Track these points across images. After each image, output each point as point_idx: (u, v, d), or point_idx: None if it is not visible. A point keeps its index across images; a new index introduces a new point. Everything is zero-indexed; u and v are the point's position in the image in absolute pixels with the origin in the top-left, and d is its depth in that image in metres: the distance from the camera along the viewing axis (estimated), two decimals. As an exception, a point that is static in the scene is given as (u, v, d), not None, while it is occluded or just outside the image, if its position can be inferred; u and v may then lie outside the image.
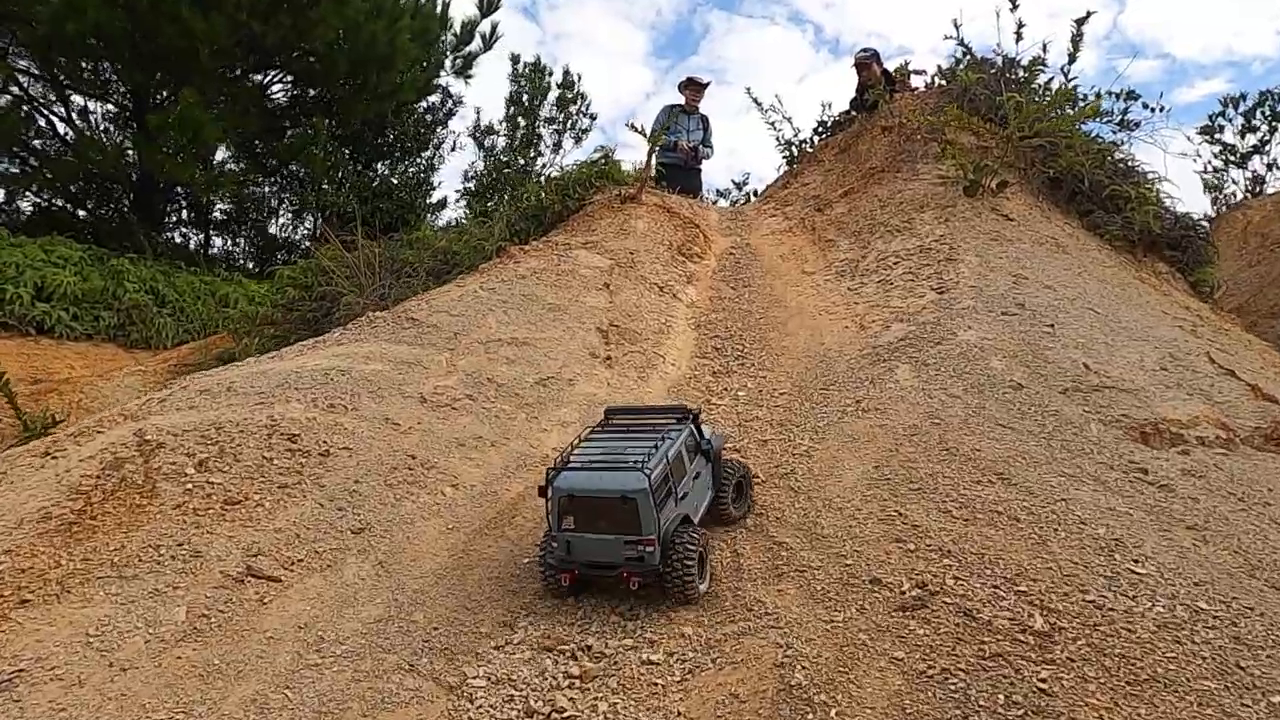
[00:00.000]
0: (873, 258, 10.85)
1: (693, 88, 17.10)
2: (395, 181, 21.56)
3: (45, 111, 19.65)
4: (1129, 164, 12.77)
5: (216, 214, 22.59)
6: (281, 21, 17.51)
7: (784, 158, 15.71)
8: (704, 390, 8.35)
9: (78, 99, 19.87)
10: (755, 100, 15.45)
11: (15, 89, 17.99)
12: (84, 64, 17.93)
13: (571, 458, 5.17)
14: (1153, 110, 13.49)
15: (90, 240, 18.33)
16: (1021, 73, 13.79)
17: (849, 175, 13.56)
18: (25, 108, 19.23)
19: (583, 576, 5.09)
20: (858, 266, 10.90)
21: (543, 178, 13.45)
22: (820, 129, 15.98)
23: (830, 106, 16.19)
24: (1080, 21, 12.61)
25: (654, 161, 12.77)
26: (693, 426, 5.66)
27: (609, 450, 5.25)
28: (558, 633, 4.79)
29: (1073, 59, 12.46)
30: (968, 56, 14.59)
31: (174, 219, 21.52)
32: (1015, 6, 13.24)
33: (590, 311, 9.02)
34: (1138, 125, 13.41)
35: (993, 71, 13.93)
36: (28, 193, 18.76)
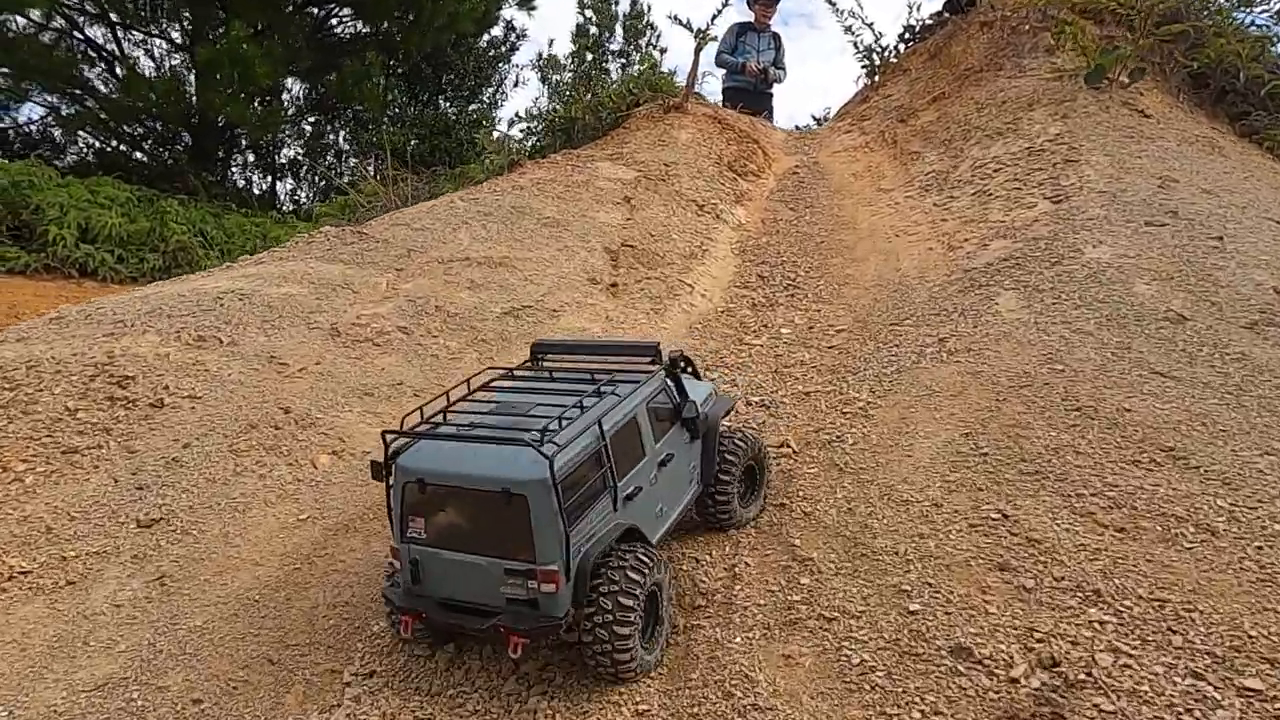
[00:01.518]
0: (966, 167, 8.29)
1: (763, 2, 14.40)
2: (455, 118, 19.54)
3: (102, 50, 18.27)
4: (1295, 58, 9.75)
5: (282, 159, 21.08)
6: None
7: (863, 68, 12.98)
8: (737, 327, 6.09)
9: (136, 34, 18.39)
10: (830, 1, 12.72)
11: (62, 21, 16.62)
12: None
13: (440, 421, 3.17)
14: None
15: (143, 183, 16.97)
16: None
17: (940, 80, 10.86)
18: (81, 46, 17.86)
19: (434, 624, 3.12)
20: (947, 178, 8.36)
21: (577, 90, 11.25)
22: (906, 35, 13.17)
23: (918, 8, 13.36)
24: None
25: (700, 70, 10.35)
26: (667, 379, 3.55)
27: (506, 411, 3.22)
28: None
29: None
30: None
31: (237, 163, 20.09)
32: None
33: (599, 229, 6.82)
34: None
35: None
36: (83, 134, 17.51)
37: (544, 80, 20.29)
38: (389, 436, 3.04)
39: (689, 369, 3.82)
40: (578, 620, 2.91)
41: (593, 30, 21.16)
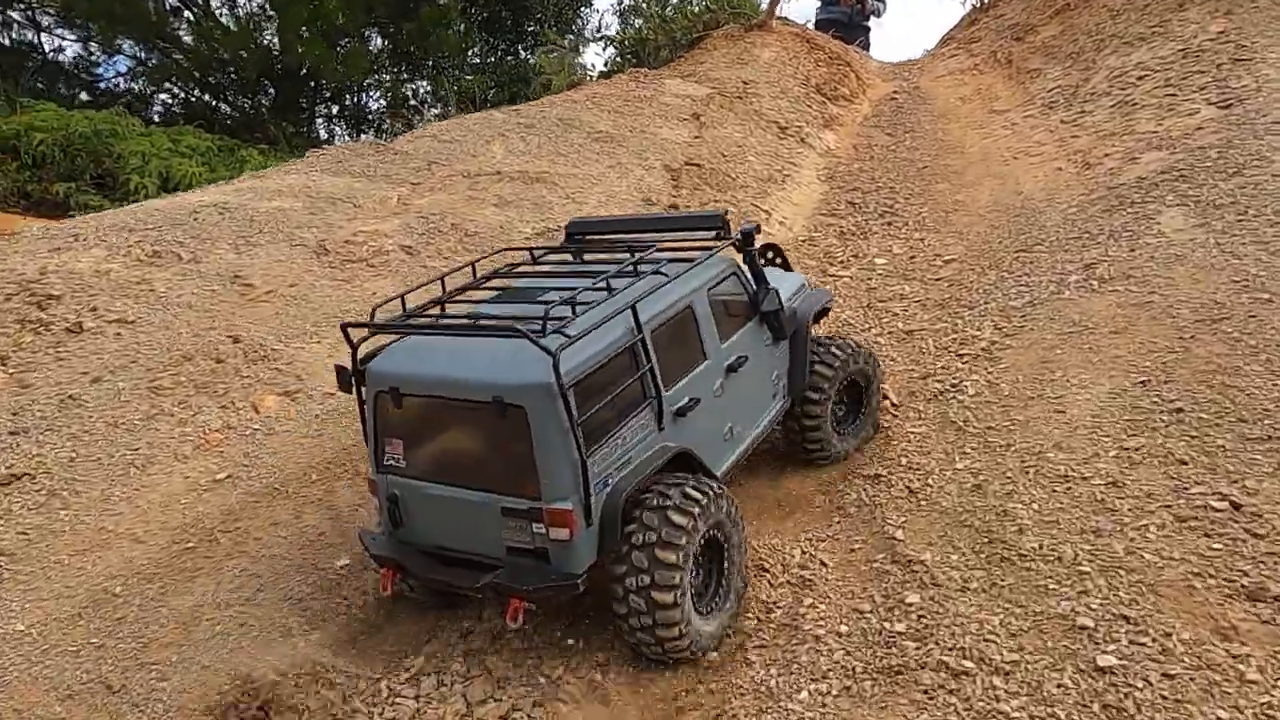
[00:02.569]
0: (1101, 79, 6.81)
1: (865, -69, 12.79)
2: (534, 65, 18.46)
3: (190, 2, 17.83)
4: None
5: (366, 111, 20.40)
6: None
7: (971, -14, 11.33)
8: (821, 257, 4.93)
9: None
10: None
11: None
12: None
13: (431, 313, 2.26)
14: None
15: (225, 133, 16.52)
16: None
17: (1062, -8, 9.24)
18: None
19: (415, 580, 2.19)
20: (1076, 93, 6.91)
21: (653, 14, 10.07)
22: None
23: (1037, -81, 11.58)
24: None
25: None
26: (736, 259, 2.57)
27: (513, 298, 2.35)
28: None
29: None
30: None
31: (322, 114, 19.47)
32: None
33: (660, 145, 5.68)
34: None
35: None
36: (170, 85, 17.13)
37: (625, 24, 18.97)
38: (352, 330, 2.13)
39: (777, 258, 2.93)
40: (612, 585, 2.00)
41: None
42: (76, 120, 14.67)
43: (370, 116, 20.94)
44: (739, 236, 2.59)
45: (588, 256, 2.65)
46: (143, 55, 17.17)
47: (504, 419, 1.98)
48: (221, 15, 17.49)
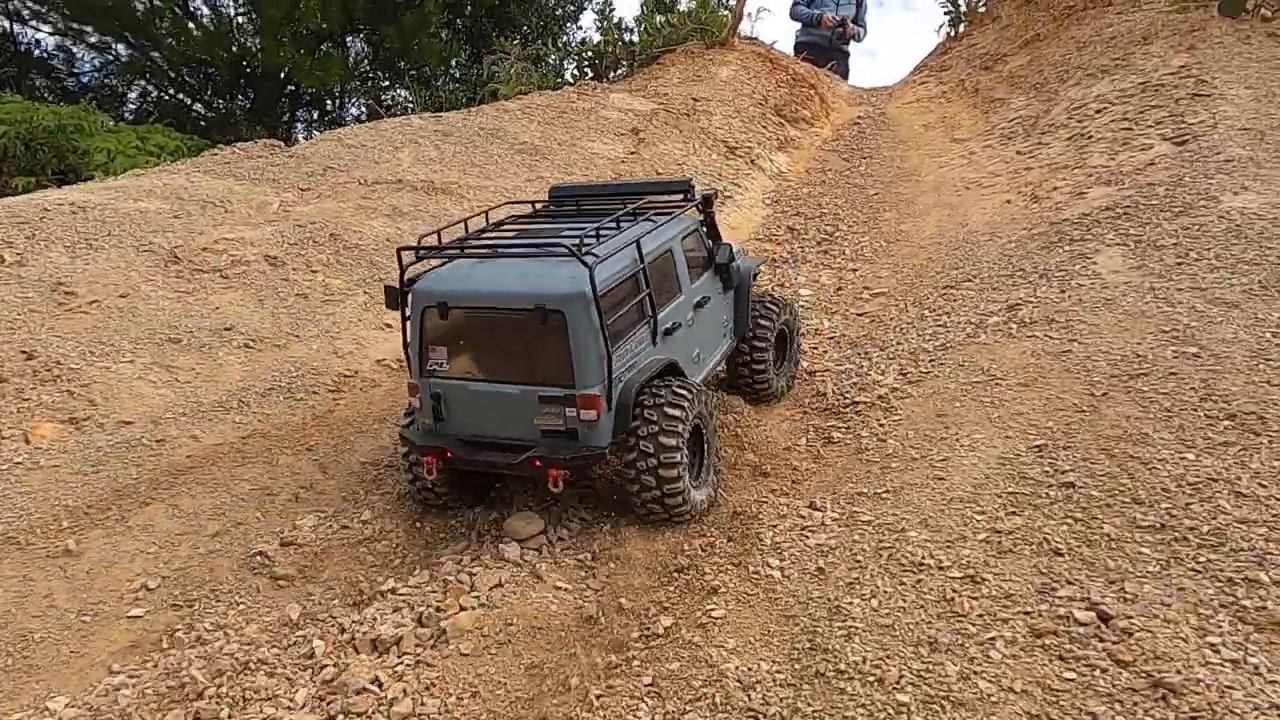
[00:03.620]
0: (1061, 110, 6.48)
1: (845, -46, 12.50)
2: (552, 42, 18.16)
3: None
4: None
5: (347, 117, 20.06)
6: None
7: (946, 14, 11.04)
8: (746, 284, 4.51)
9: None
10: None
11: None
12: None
13: (466, 244, 2.65)
14: None
15: (197, 133, 16.11)
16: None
17: (1034, 23, 8.97)
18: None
19: (460, 466, 2.49)
20: (1035, 124, 6.58)
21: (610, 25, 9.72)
22: (999, -20, 11.15)
23: (1015, -50, 11.30)
24: None
25: (756, 6, 8.74)
26: (700, 218, 3.07)
27: (534, 236, 2.74)
28: None
29: None
30: None
31: (301, 119, 19.11)
32: None
33: (589, 160, 5.30)
34: None
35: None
36: (143, 83, 16.75)
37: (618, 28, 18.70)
38: (404, 254, 2.54)
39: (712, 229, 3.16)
40: (623, 454, 2.44)
41: (665, -9, 19.46)
42: (42, 114, 14.21)
43: (349, 122, 20.59)
44: (700, 200, 3.07)
45: (583, 209, 3.10)
46: (121, 51, 16.77)
47: (544, 324, 2.31)
48: (201, 14, 17.14)
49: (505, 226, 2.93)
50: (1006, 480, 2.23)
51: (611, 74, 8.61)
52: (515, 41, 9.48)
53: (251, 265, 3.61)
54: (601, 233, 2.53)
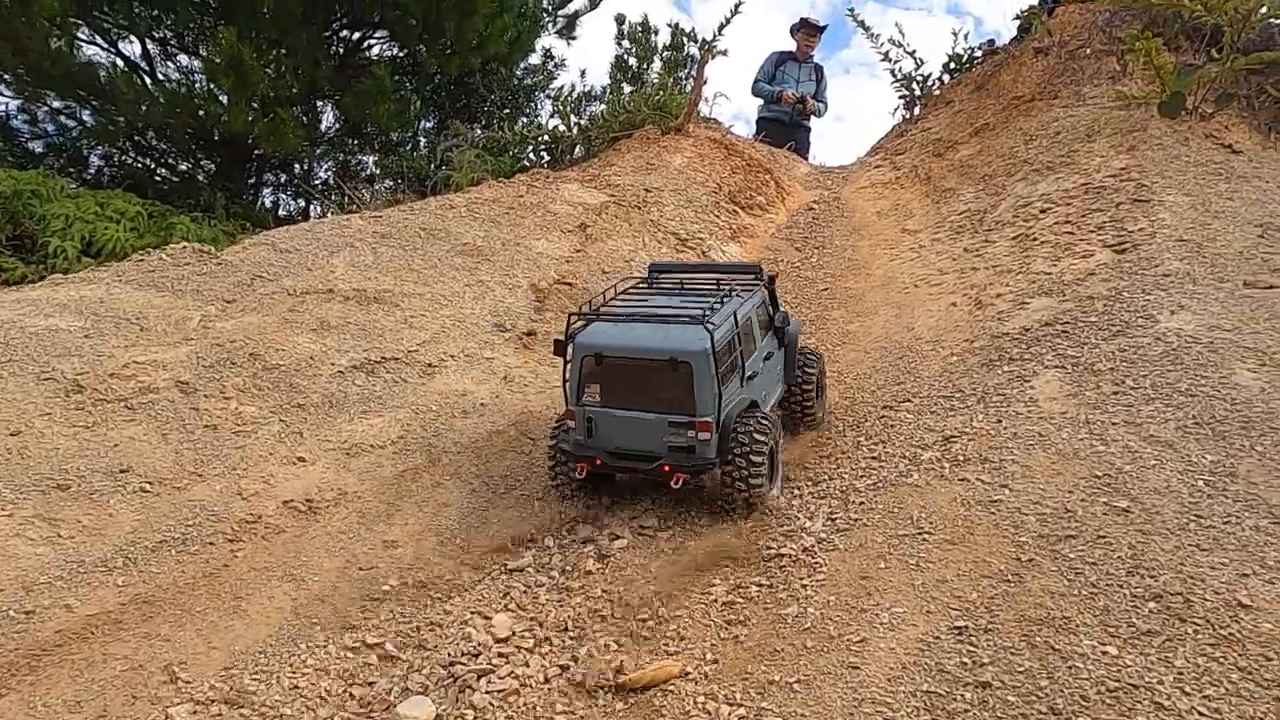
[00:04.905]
0: (1007, 206, 6.51)
1: (807, 30, 12.65)
2: (498, 137, 18.22)
3: (128, 59, 17.28)
4: None
5: (316, 182, 19.97)
6: (344, -41, 14.33)
7: (901, 99, 11.21)
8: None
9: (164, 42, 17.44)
10: (861, 24, 10.98)
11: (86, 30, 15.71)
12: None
13: (605, 309, 3.51)
14: None
15: (159, 198, 15.92)
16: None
17: (985, 111, 9.08)
18: (108, 56, 16.89)
19: (604, 470, 3.35)
20: (983, 219, 6.59)
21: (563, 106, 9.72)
22: (952, 65, 11.36)
23: (966, 36, 11.55)
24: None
25: (712, 90, 8.78)
26: (767, 293, 3.93)
27: (658, 304, 3.60)
28: None
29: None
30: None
31: (269, 183, 18.99)
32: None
33: (534, 260, 5.20)
34: None
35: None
36: (106, 146, 16.57)
37: (576, 112, 18.92)
38: (570, 317, 3.44)
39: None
40: (721, 463, 3.19)
41: (631, 62, 19.72)
42: None
43: (319, 186, 20.55)
44: (768, 279, 3.99)
45: (684, 286, 3.99)
46: (85, 116, 16.60)
47: (676, 371, 3.13)
48: (168, 77, 17.08)
49: (633, 294, 3.83)
50: (923, 674, 2.09)
51: (568, 157, 8.60)
52: (471, 126, 9.46)
53: (161, 393, 3.42)
54: (715, 307, 3.38)
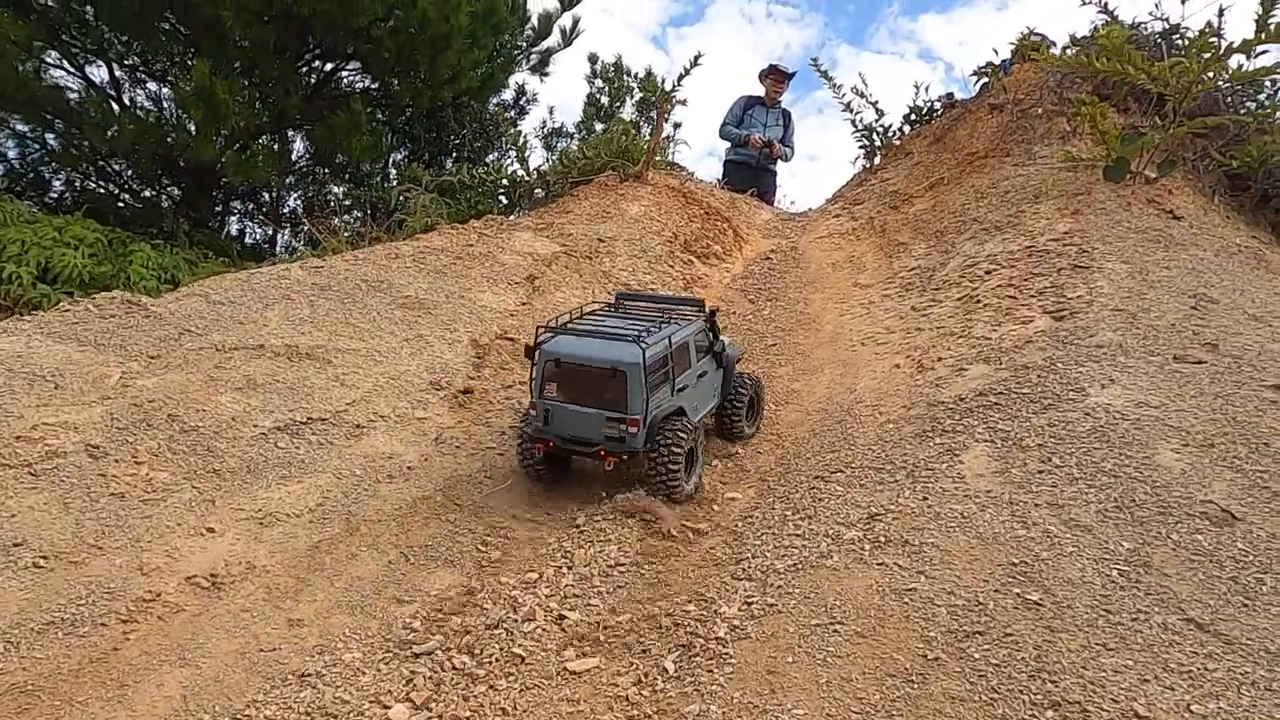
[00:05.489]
0: (955, 265, 6.56)
1: (775, 77, 12.82)
2: (455, 180, 18.22)
3: (95, 85, 17.13)
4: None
5: (285, 210, 19.80)
6: (319, -10, 14.35)
7: (861, 149, 11.35)
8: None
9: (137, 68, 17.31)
10: (823, 74, 11.12)
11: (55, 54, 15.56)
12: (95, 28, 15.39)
13: (569, 325, 4.20)
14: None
15: (121, 225, 15.71)
16: (1189, 44, 9.04)
17: (940, 166, 9.21)
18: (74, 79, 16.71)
19: (555, 451, 4.10)
20: (932, 277, 6.64)
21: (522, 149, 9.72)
22: (912, 116, 11.53)
23: (926, 89, 11.73)
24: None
25: (675, 136, 8.88)
26: (707, 324, 4.62)
27: (610, 324, 4.29)
28: None
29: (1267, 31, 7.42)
30: (1112, 24, 9.88)
31: (236, 211, 18.80)
32: (1185, -49, 8.62)
33: (477, 314, 5.15)
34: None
35: (1148, 39, 9.32)
36: (69, 171, 16.35)
37: (548, 148, 18.97)
38: (539, 329, 4.05)
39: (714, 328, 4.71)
40: (647, 455, 3.93)
41: (604, 100, 19.87)
42: (-45, 205, 13.72)
43: (287, 215, 20.40)
44: (709, 312, 4.67)
45: (635, 309, 4.72)
46: (49, 140, 16.40)
47: (614, 377, 3.80)
48: (136, 103, 16.93)
49: (594, 315, 4.45)
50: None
51: (526, 202, 8.59)
52: (438, 163, 9.44)
53: (68, 457, 3.31)
54: (651, 330, 4.06)
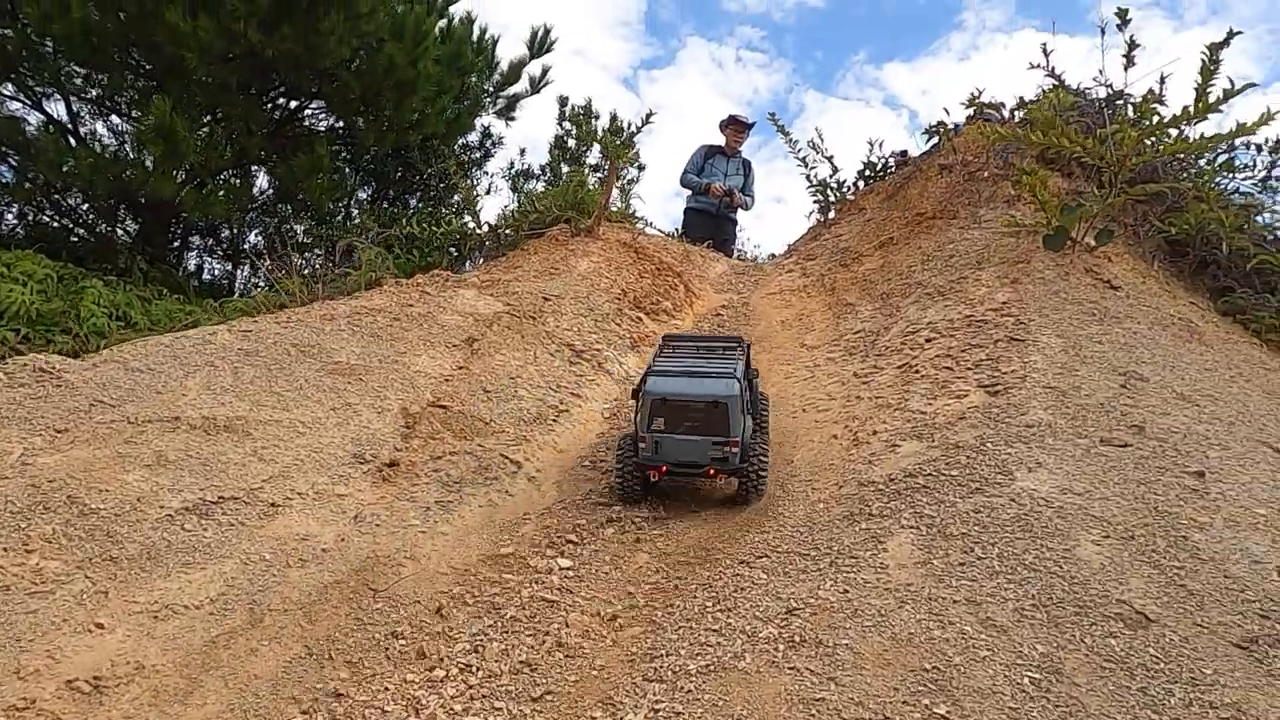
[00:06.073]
0: (898, 330, 6.59)
1: (735, 126, 12.99)
2: (418, 221, 18.16)
3: (55, 120, 16.92)
4: (1280, 230, 8.28)
5: (245, 247, 19.59)
6: (285, 34, 14.34)
7: (815, 203, 11.47)
8: (541, 544, 4.25)
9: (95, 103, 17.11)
10: (780, 128, 11.23)
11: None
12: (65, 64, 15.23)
13: (654, 370, 4.83)
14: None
15: (74, 260, 15.41)
16: (1131, 111, 9.25)
17: (892, 224, 9.31)
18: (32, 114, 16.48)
19: (667, 475, 4.74)
20: (875, 342, 6.66)
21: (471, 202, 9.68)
22: (866, 172, 11.68)
23: (880, 145, 11.91)
24: (1217, 47, 7.92)
25: (628, 188, 8.93)
26: (744, 356, 5.19)
27: (691, 364, 4.91)
28: None
29: (1205, 101, 7.61)
30: (1058, 89, 10.10)
31: (194, 247, 18.56)
32: (1125, 22, 8.82)
33: (410, 380, 5.05)
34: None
35: (1092, 104, 9.53)
36: (20, 205, 16.06)
37: (515, 189, 18.99)
38: (643, 376, 4.84)
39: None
40: (743, 468, 4.63)
41: (570, 143, 19.98)
42: (-102, 238, 13.35)
43: (248, 249, 20.17)
44: (746, 346, 5.32)
45: (697, 349, 5.26)
46: (3, 172, 16.11)
47: (716, 408, 4.47)
48: (95, 137, 16.72)
49: (667, 358, 5.04)
50: None
51: (476, 254, 8.53)
52: (397, 208, 9.37)
53: (-54, 554, 3.16)
54: (736, 365, 4.76)
